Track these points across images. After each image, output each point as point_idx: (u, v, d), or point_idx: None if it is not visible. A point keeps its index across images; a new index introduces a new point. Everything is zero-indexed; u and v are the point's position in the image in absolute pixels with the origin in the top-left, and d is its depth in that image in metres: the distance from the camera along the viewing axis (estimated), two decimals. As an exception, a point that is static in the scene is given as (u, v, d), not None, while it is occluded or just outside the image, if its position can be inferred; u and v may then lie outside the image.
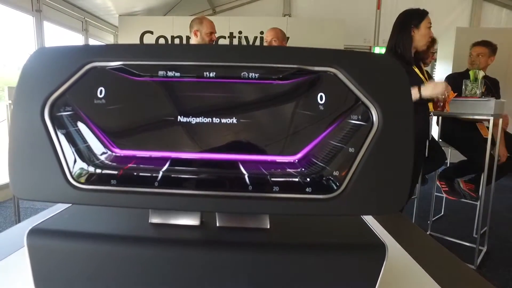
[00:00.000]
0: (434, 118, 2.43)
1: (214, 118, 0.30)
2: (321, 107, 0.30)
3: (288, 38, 4.67)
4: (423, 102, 1.62)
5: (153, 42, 4.85)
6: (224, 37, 4.73)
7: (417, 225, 2.25)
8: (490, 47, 2.38)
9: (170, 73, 0.31)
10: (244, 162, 0.30)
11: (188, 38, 4.69)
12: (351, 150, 0.29)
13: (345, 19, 4.89)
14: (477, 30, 4.78)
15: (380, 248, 0.30)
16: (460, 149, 2.36)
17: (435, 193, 2.47)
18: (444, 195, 2.40)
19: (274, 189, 0.29)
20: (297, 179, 0.29)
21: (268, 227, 0.34)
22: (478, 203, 2.11)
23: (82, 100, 0.31)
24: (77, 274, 0.32)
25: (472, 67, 2.30)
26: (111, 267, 0.31)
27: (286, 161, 0.29)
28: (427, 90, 1.53)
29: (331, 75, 0.30)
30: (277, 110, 0.30)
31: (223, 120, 0.30)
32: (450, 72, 4.12)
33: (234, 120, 0.30)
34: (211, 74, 0.31)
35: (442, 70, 4.80)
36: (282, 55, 0.30)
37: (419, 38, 1.63)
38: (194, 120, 0.30)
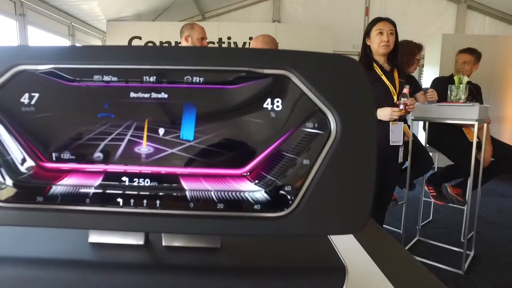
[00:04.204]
0: (421, 123, 2.44)
1: (154, 127, 0.27)
2: (273, 114, 0.27)
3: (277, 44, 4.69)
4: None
5: (142, 47, 4.80)
6: (213, 43, 4.71)
7: (406, 230, 2.21)
8: (475, 55, 2.40)
9: (106, 78, 0.28)
10: (185, 176, 0.26)
11: (177, 43, 4.66)
12: (305, 162, 0.26)
13: (334, 25, 4.93)
14: (462, 37, 4.88)
15: (339, 272, 0.27)
16: (447, 154, 2.37)
17: (423, 198, 2.47)
18: (432, 200, 2.40)
19: (218, 207, 0.26)
20: (244, 195, 0.26)
21: (220, 246, 0.31)
22: (465, 208, 2.11)
23: (7, 107, 0.28)
24: None
25: (458, 75, 2.32)
26: None
27: (232, 174, 0.26)
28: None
29: (284, 79, 0.27)
30: (223, 118, 0.27)
31: (164, 129, 0.27)
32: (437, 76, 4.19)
33: (177, 129, 0.27)
34: (151, 79, 0.27)
35: (429, 75, 4.87)
36: (229, 57, 0.27)
37: (372, 45, 1.79)
38: (131, 129, 0.27)
